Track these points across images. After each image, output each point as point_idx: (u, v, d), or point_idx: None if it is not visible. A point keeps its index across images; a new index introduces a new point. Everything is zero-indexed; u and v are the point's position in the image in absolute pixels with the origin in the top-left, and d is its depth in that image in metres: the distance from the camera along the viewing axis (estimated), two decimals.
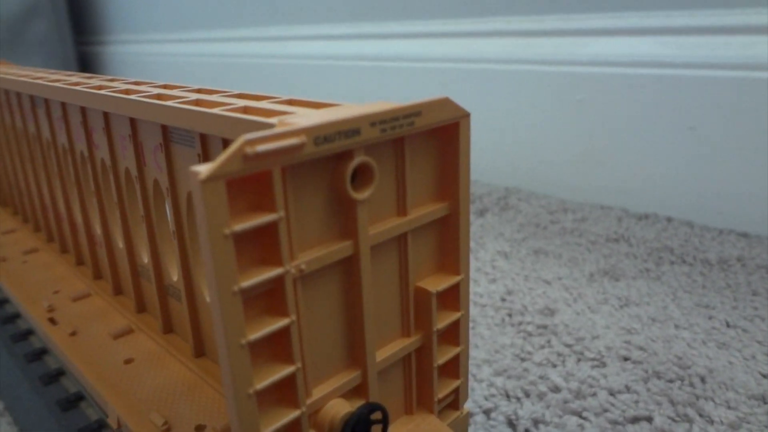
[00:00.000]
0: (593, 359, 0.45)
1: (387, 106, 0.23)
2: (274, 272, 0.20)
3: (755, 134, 0.69)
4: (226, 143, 0.28)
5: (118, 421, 0.31)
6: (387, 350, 0.26)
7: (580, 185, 0.85)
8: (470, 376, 0.43)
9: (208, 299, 0.34)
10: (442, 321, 0.27)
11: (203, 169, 0.18)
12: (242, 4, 1.37)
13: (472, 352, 0.46)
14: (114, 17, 1.87)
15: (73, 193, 0.49)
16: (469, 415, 0.31)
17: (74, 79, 0.44)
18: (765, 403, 0.40)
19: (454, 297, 0.28)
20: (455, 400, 0.30)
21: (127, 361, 0.36)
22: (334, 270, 0.24)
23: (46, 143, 0.51)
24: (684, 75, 0.73)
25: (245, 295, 0.20)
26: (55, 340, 0.39)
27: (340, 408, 0.23)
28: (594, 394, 0.41)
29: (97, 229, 0.45)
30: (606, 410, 0.39)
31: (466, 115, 0.26)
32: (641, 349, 0.46)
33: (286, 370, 0.21)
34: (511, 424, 0.38)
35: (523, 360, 0.45)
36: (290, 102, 0.27)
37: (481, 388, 0.42)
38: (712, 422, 0.38)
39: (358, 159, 0.22)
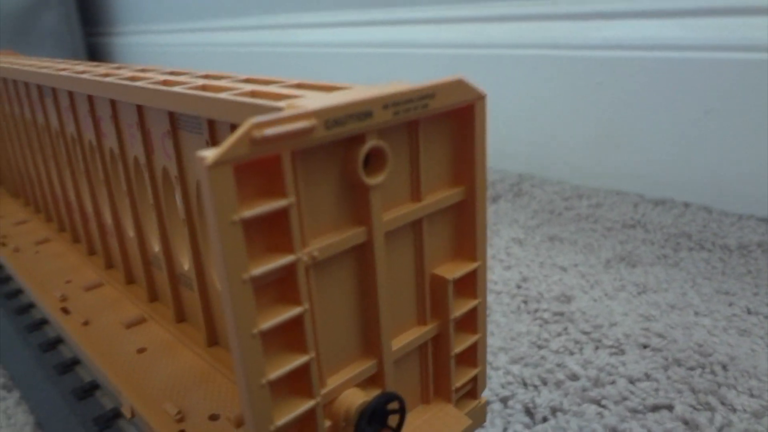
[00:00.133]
0: (611, 347, 0.44)
1: (400, 88, 0.22)
2: (285, 259, 0.20)
3: None
4: (234, 129, 0.27)
5: (131, 411, 0.31)
6: (403, 339, 0.26)
7: (594, 171, 0.83)
8: (487, 364, 0.42)
9: (219, 288, 0.33)
10: (459, 309, 0.27)
11: (210, 154, 0.17)
12: None
13: (488, 340, 0.45)
14: (123, 8, 1.87)
15: (83, 182, 0.49)
16: (487, 403, 0.30)
17: (80, 67, 0.44)
18: None
19: (470, 284, 0.27)
20: (473, 389, 0.29)
21: (140, 351, 0.36)
22: (348, 257, 0.23)
23: (55, 133, 0.51)
24: (701, 57, 0.71)
25: (256, 283, 0.19)
26: (67, 330, 0.39)
27: (356, 398, 0.23)
28: (613, 382, 0.40)
29: (108, 219, 0.45)
30: (625, 398, 0.38)
31: (482, 97, 0.25)
32: (660, 336, 0.45)
33: (300, 360, 0.21)
34: (528, 412, 0.38)
35: (540, 347, 0.44)
36: (299, 85, 0.26)
37: (497, 375, 0.41)
38: (734, 410, 0.37)
39: (370, 143, 0.21)
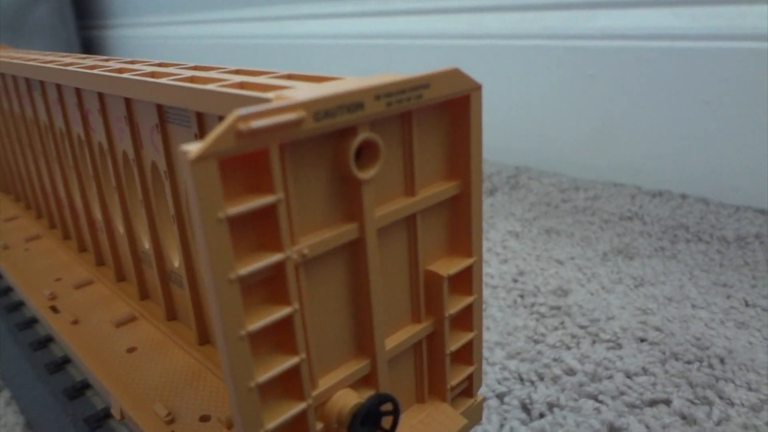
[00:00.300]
0: (608, 341, 0.44)
1: (393, 78, 0.21)
2: (274, 258, 0.19)
3: None
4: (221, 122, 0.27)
5: (121, 412, 0.30)
6: (397, 337, 0.25)
7: (591, 163, 0.83)
8: (483, 360, 0.42)
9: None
10: (454, 306, 0.26)
11: (193, 148, 0.16)
12: None
13: (484, 335, 0.45)
14: (116, 0, 1.84)
15: (73, 178, 0.48)
16: (484, 401, 0.30)
17: (68, 59, 0.43)
18: None
19: (466, 280, 0.27)
20: (468, 387, 0.29)
21: (130, 350, 0.35)
22: (339, 254, 0.22)
23: (44, 127, 0.50)
24: (698, 47, 0.70)
25: (243, 282, 0.18)
26: (56, 329, 0.38)
27: (349, 399, 0.22)
28: (610, 377, 0.40)
29: (98, 215, 0.44)
30: (623, 393, 0.38)
31: (478, 87, 0.24)
32: (658, 329, 0.44)
33: (290, 361, 0.20)
34: (525, 408, 0.37)
35: (536, 342, 0.44)
36: (289, 76, 0.25)
37: (494, 371, 0.41)
38: (732, 404, 0.37)
39: (362, 135, 0.21)
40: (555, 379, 0.40)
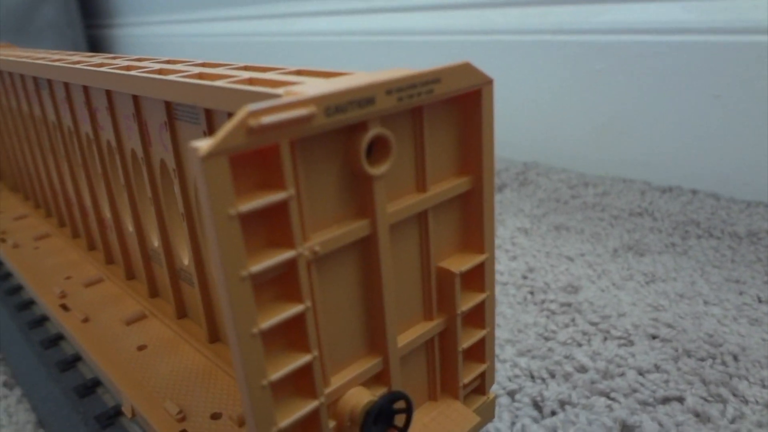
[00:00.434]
0: (620, 338, 0.43)
1: (403, 73, 0.21)
2: (285, 255, 0.19)
3: None
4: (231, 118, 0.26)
5: (132, 411, 0.30)
6: (409, 335, 0.25)
7: (600, 158, 0.82)
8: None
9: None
10: (466, 303, 0.26)
11: (204, 144, 0.16)
12: None
13: (495, 333, 0.45)
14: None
15: (82, 176, 0.48)
16: (496, 398, 0.29)
17: (76, 57, 0.43)
18: None
19: (478, 277, 0.26)
20: (481, 385, 0.28)
21: (141, 348, 0.35)
22: (351, 251, 0.22)
23: (53, 126, 0.50)
24: (707, 41, 0.70)
25: (255, 280, 0.18)
26: (67, 328, 0.38)
27: (361, 397, 0.22)
28: (622, 374, 0.39)
29: (107, 213, 0.44)
30: (635, 390, 0.38)
31: (489, 82, 0.24)
32: (670, 326, 0.44)
33: (303, 359, 0.20)
34: (536, 405, 0.37)
35: (547, 339, 0.44)
36: (299, 72, 0.25)
37: (504, 368, 0.40)
38: (746, 402, 0.36)
39: (373, 131, 0.20)
40: (566, 377, 0.39)
